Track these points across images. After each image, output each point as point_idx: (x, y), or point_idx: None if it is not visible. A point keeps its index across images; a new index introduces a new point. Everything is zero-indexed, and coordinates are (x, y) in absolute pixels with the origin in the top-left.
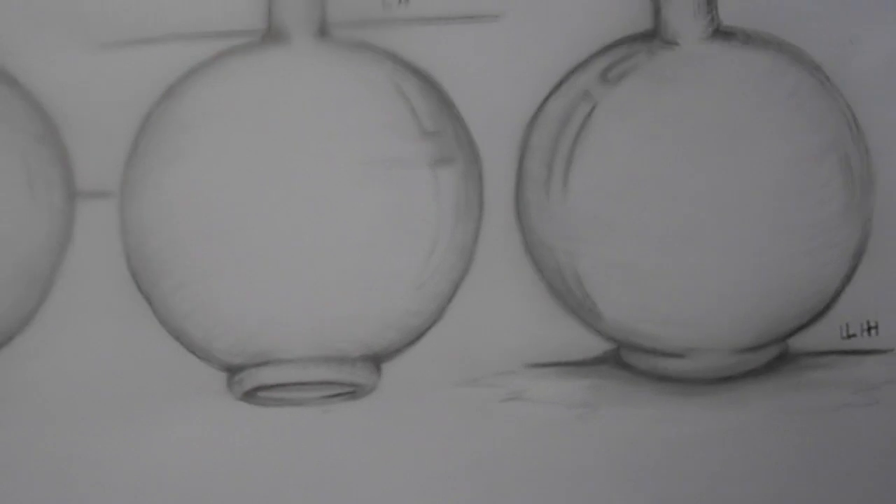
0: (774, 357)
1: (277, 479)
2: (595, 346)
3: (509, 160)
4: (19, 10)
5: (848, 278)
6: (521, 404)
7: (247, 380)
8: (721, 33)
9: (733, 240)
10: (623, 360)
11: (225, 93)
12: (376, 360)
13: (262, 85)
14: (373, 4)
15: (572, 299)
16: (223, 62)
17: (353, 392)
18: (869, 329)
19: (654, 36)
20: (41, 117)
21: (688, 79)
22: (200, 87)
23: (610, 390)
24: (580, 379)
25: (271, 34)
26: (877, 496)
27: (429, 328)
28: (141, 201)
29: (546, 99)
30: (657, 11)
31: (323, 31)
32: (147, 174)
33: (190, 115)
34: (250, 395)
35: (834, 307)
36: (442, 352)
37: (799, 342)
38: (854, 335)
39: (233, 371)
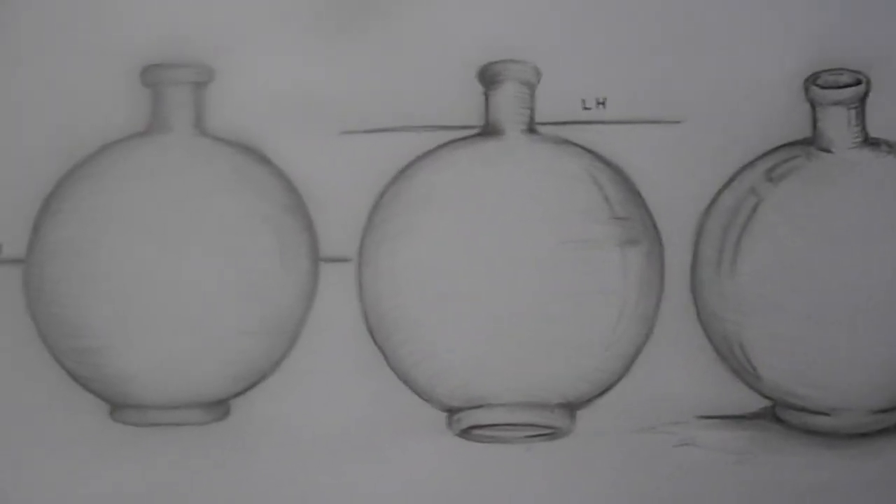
0: None
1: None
2: (754, 402)
3: (686, 244)
4: (274, 102)
5: None
6: (691, 450)
7: (464, 419)
8: (868, 143)
9: (874, 318)
10: (777, 415)
11: (447, 177)
12: (571, 408)
13: (479, 172)
14: (574, 107)
15: (736, 363)
16: (447, 151)
17: (552, 434)
18: None
19: (811, 143)
20: (291, 192)
21: (839, 181)
22: (427, 172)
23: (765, 440)
24: (741, 430)
25: (488, 129)
26: None
27: (615, 383)
28: (375, 267)
29: (719, 192)
30: (815, 123)
31: (531, 128)
32: (380, 244)
33: (417, 195)
34: (466, 433)
35: None
36: (626, 403)
37: None
38: None
39: (452, 412)
